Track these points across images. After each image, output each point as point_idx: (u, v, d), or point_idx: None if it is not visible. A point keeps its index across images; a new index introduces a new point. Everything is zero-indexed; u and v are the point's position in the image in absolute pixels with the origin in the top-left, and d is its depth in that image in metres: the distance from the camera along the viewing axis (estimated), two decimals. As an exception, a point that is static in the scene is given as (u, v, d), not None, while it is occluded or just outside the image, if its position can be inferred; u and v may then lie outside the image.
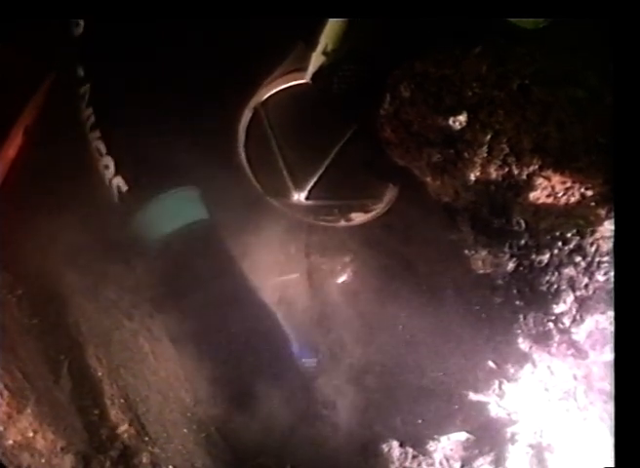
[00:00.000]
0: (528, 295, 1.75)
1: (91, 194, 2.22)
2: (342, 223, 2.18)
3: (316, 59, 1.86)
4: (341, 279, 2.28)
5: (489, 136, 1.64)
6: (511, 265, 1.72)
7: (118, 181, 2.15)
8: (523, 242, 1.69)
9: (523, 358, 1.94)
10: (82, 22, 2.17)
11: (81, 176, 2.21)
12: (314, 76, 1.90)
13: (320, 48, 1.83)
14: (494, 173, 1.66)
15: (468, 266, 1.80)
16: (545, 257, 1.68)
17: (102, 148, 2.14)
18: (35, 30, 2.20)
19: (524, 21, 1.64)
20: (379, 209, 2.12)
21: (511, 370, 1.97)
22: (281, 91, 1.98)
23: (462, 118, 1.65)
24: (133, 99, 2.15)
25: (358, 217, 2.16)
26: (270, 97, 2.00)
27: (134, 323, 2.18)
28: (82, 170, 2.20)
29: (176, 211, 2.18)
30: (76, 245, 2.21)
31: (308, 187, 2.04)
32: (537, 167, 1.63)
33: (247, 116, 2.05)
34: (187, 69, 2.20)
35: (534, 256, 1.69)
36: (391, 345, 2.14)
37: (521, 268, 1.72)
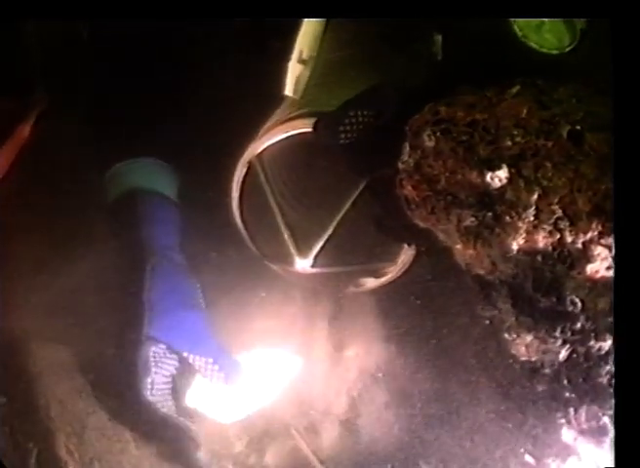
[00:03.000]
0: (582, 387, 1.32)
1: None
2: (351, 289, 1.76)
3: (293, 69, 1.51)
4: (350, 352, 1.83)
5: (535, 196, 1.23)
6: (564, 353, 1.28)
7: None
8: (579, 325, 1.25)
9: (566, 451, 1.51)
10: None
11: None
12: (317, 124, 1.48)
13: (295, 55, 1.48)
14: (541, 241, 1.24)
15: (506, 350, 1.36)
16: (607, 344, 1.25)
17: None
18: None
19: (547, 46, 1.39)
20: (392, 272, 1.71)
21: (552, 465, 1.54)
22: (279, 141, 1.57)
23: (503, 173, 1.24)
24: None
25: (369, 283, 1.75)
26: (267, 148, 1.59)
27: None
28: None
29: (143, 173, 1.82)
30: (48, 311, 1.78)
31: (314, 253, 1.63)
32: (595, 233, 1.22)
33: (241, 171, 1.63)
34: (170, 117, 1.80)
35: (592, 343, 1.26)
36: (408, 430, 1.70)
37: (575, 356, 1.28)
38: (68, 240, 1.84)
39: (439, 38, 1.56)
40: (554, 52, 1.41)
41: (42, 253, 1.85)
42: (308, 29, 1.49)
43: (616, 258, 1.20)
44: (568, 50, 1.42)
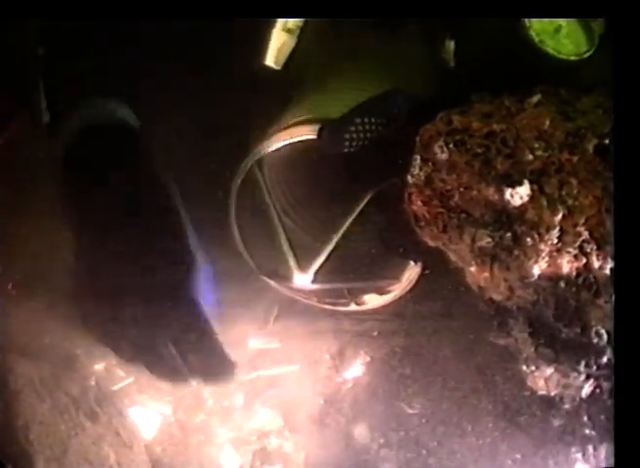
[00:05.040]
0: (604, 425, 1.18)
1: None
2: (353, 307, 1.63)
3: (277, 38, 1.39)
4: (351, 373, 1.70)
5: (559, 216, 1.10)
6: (587, 389, 1.15)
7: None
8: (605, 359, 1.12)
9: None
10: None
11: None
12: (321, 130, 1.35)
13: (280, 23, 1.38)
14: (565, 265, 1.11)
15: (521, 381, 1.23)
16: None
17: None
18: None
19: (565, 51, 1.29)
20: (396, 290, 1.58)
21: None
22: (281, 148, 1.44)
23: (524, 190, 1.11)
24: None
25: (372, 301, 1.62)
26: (268, 155, 1.46)
27: (98, 425, 1.61)
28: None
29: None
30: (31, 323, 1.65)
31: (314, 269, 1.51)
32: (625, 258, 1.07)
33: (239, 179, 1.50)
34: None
35: (618, 378, 1.12)
36: (416, 466, 1.57)
37: (598, 392, 1.15)
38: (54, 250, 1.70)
39: (451, 44, 1.44)
40: (572, 58, 1.30)
41: (24, 265, 1.71)
42: None
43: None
44: (586, 56, 1.31)
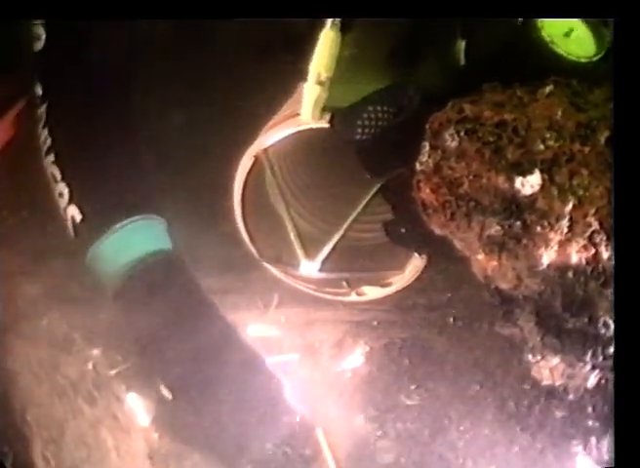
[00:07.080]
0: (608, 417, 1.18)
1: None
2: (353, 298, 1.64)
3: (311, 92, 1.35)
4: (351, 363, 1.70)
5: (570, 206, 1.11)
6: (592, 379, 1.15)
7: (72, 211, 1.57)
8: (611, 350, 1.12)
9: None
10: (43, 36, 1.61)
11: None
12: (333, 118, 1.36)
13: (313, 77, 1.34)
14: (575, 255, 1.11)
15: (524, 373, 1.24)
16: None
17: (57, 174, 1.58)
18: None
19: (575, 54, 1.30)
20: (399, 282, 1.58)
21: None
22: (290, 136, 1.44)
23: (535, 179, 1.11)
24: (92, 120, 1.61)
25: (372, 292, 1.63)
26: (276, 143, 1.46)
27: (96, 409, 1.61)
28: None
29: (134, 241, 1.58)
30: (28, 305, 1.65)
31: (322, 257, 1.51)
32: (634, 249, 1.08)
33: (245, 165, 1.50)
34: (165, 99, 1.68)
35: (624, 369, 1.12)
36: (414, 458, 1.56)
37: (604, 382, 1.15)
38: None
39: (462, 44, 1.44)
40: (583, 60, 1.30)
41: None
42: (324, 50, 1.36)
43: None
44: (596, 59, 1.32)
